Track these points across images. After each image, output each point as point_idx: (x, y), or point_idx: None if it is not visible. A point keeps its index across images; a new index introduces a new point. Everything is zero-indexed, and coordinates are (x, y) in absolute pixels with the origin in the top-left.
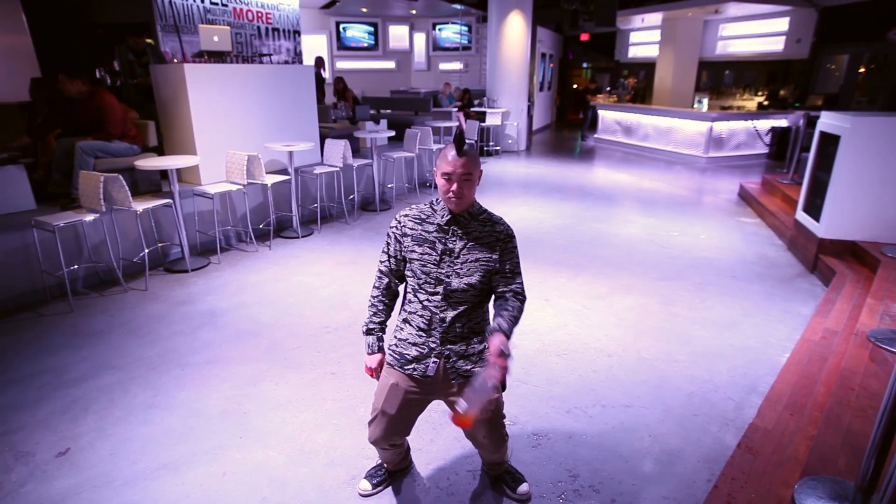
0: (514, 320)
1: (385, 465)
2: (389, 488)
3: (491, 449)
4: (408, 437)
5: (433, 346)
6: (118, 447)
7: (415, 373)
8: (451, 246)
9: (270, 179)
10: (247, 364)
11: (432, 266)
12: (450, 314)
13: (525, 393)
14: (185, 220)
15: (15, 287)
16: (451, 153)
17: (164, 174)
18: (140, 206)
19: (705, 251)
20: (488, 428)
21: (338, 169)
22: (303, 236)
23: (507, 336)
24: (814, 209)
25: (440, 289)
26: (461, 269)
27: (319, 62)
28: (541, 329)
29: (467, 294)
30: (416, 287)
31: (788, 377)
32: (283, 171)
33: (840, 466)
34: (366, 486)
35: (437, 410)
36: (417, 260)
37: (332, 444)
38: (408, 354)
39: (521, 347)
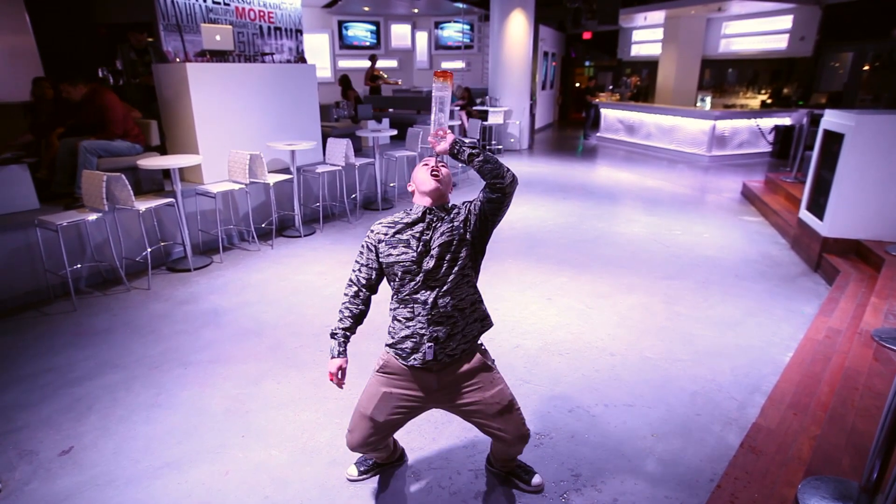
0: (483, 152)
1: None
2: (389, 487)
3: (508, 440)
4: (397, 440)
5: (421, 330)
6: (121, 446)
7: (416, 362)
8: (425, 238)
9: (273, 178)
10: (249, 363)
11: (411, 263)
12: (431, 295)
13: (527, 392)
14: (187, 219)
15: (18, 286)
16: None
17: (166, 173)
18: (143, 205)
19: (708, 250)
20: (499, 410)
21: (340, 168)
22: (305, 235)
23: (461, 142)
24: (817, 208)
25: (419, 277)
26: (436, 251)
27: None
28: (543, 328)
29: (445, 269)
30: (399, 286)
31: (792, 376)
32: (286, 171)
33: (844, 466)
34: (353, 471)
35: (438, 409)
36: (395, 262)
37: (335, 443)
38: (406, 348)
39: (523, 347)
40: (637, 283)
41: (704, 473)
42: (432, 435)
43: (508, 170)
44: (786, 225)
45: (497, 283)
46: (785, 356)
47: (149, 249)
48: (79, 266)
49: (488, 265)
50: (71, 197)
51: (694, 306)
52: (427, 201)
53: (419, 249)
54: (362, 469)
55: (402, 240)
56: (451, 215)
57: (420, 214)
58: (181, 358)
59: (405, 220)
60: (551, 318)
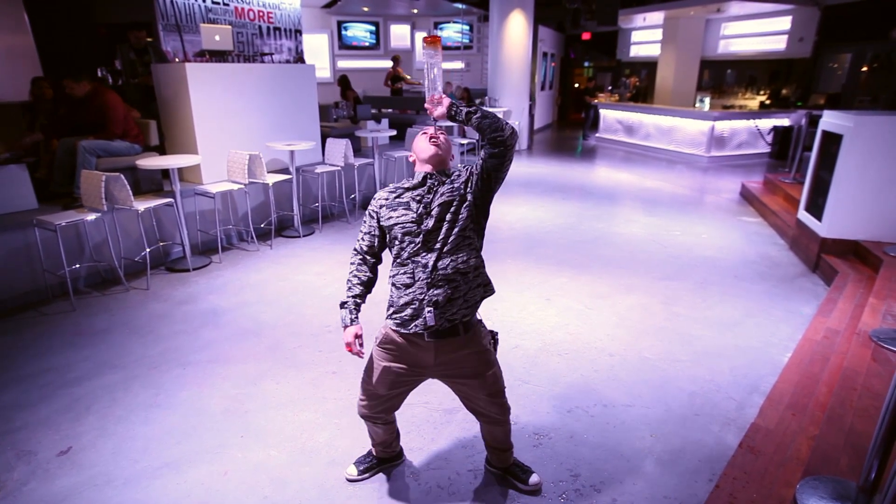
0: (480, 108)
1: (374, 451)
2: (388, 487)
3: (493, 418)
4: (400, 433)
5: (420, 295)
6: (120, 446)
7: (418, 328)
8: (426, 200)
9: (272, 179)
10: (248, 363)
11: (411, 224)
12: (431, 258)
13: (526, 392)
14: (186, 219)
15: (17, 286)
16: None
17: (165, 173)
18: (142, 205)
19: (707, 251)
20: (489, 393)
21: (339, 168)
22: (304, 235)
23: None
24: (816, 208)
25: (419, 238)
26: (435, 211)
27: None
28: (542, 329)
29: (445, 230)
30: (399, 249)
31: (790, 377)
32: (285, 171)
33: (842, 466)
34: (352, 471)
35: (438, 410)
36: (395, 224)
37: (333, 443)
38: (406, 315)
39: (522, 347)
40: (636, 284)
41: (703, 473)
42: (431, 435)
43: (507, 122)
44: (784, 226)
45: (496, 284)
46: (783, 356)
47: (147, 249)
48: (77, 266)
49: (487, 265)
50: (70, 197)
51: (693, 307)
52: (427, 168)
53: (419, 211)
54: (361, 469)
55: (402, 202)
56: (452, 178)
57: (420, 179)
58: (180, 358)
59: (405, 185)
60: (550, 319)
